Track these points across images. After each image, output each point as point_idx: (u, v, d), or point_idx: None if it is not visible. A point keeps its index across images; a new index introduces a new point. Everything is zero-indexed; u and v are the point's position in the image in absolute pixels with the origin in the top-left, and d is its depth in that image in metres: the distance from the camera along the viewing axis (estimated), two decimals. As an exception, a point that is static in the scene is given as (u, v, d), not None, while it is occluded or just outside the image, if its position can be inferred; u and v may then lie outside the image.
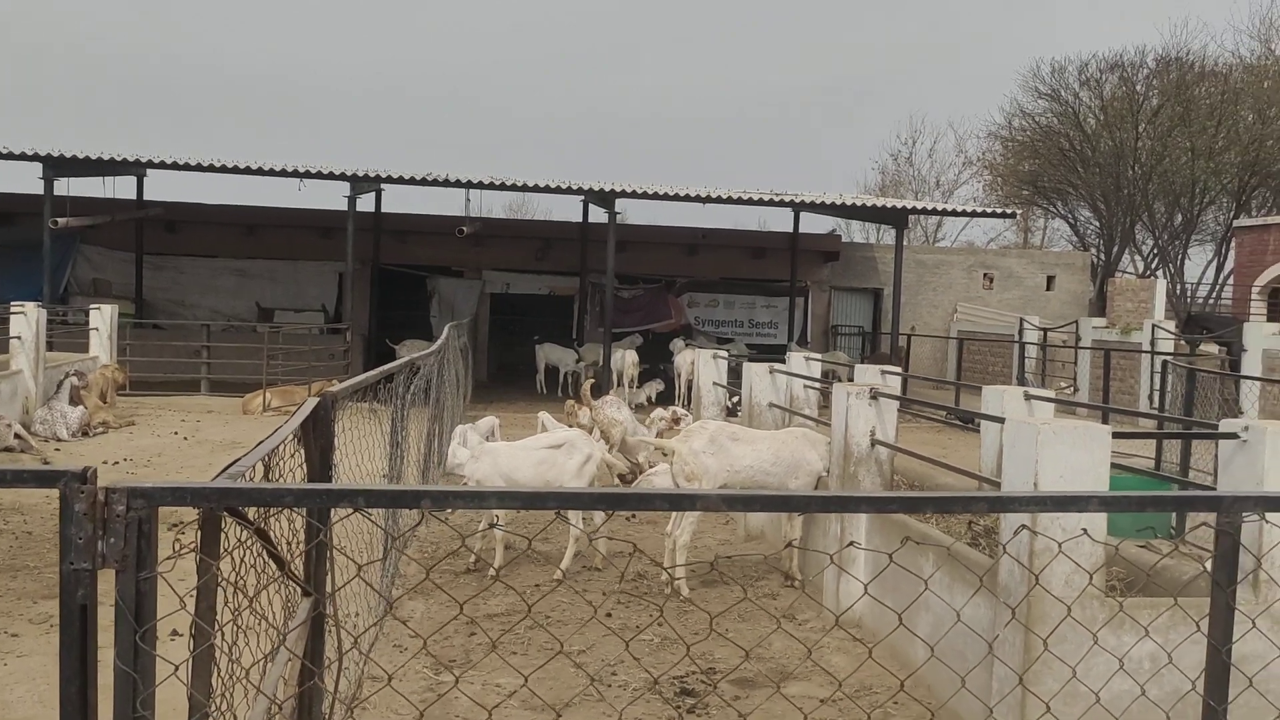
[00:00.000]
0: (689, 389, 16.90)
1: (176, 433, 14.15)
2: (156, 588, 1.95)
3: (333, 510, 3.57)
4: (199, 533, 2.14)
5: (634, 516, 9.63)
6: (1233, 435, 4.61)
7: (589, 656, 5.86)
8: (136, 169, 21.00)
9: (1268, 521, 3.93)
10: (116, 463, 11.58)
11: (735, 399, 11.52)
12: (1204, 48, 33.84)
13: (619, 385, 19.98)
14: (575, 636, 6.14)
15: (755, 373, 10.12)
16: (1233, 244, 29.57)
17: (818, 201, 21.69)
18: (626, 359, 20.20)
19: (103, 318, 17.32)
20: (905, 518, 6.25)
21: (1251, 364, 17.31)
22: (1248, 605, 4.24)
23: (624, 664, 5.74)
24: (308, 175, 19.17)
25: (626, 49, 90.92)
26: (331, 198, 23.78)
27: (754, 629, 6.48)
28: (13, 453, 11.93)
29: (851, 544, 6.15)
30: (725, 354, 12.19)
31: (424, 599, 6.92)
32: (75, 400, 13.93)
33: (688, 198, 20.47)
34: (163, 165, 19.44)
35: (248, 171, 19.33)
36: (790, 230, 25.72)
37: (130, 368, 17.53)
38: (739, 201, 21.23)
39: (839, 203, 22.02)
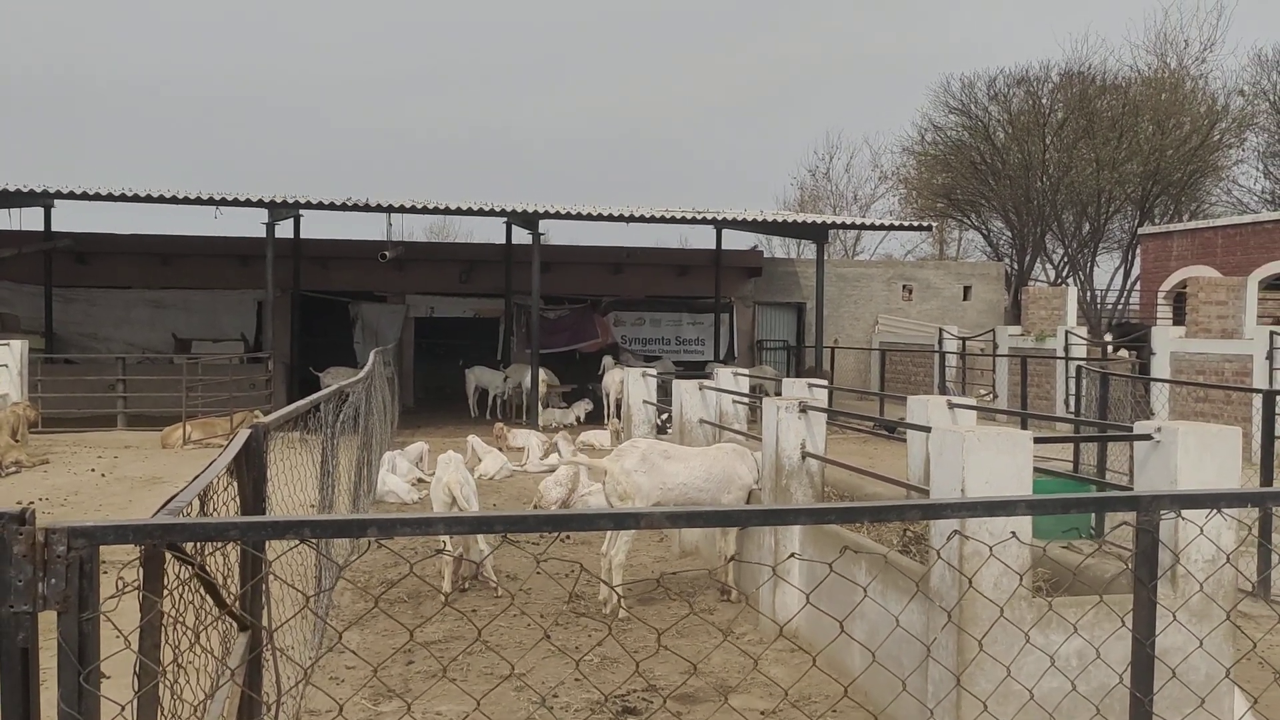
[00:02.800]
0: (618, 407, 16.95)
1: (93, 470, 13.76)
2: (99, 629, 1.93)
3: (269, 542, 3.53)
4: (141, 570, 2.12)
5: (569, 537, 9.62)
6: (1147, 437, 4.79)
7: (530, 679, 5.85)
8: (44, 199, 20.45)
9: (1184, 519, 4.09)
10: (32, 503, 11.22)
11: (665, 416, 11.59)
12: (1104, 62, 35.01)
13: (543, 407, 20.01)
14: (515, 659, 6.12)
15: (685, 390, 10.20)
16: (1138, 251, 30.60)
17: (739, 218, 21.96)
18: (542, 375, 20.36)
19: (11, 353, 16.81)
20: (838, 528, 6.36)
21: (1160, 367, 17.93)
22: (1167, 600, 4.41)
23: (565, 685, 5.74)
24: (224, 203, 18.84)
25: (545, 69, 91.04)
26: (249, 225, 23.51)
27: (693, 644, 6.52)
28: (-80, 496, 11.51)
29: (792, 555, 6.22)
30: (654, 372, 12.26)
31: (359, 629, 6.84)
32: (-15, 440, 13.49)
33: (611, 217, 20.58)
34: (71, 195, 18.93)
35: (161, 200, 18.93)
36: (713, 247, 26.00)
37: (42, 404, 17.02)
38: (662, 220, 21.40)
39: (760, 219, 22.32)
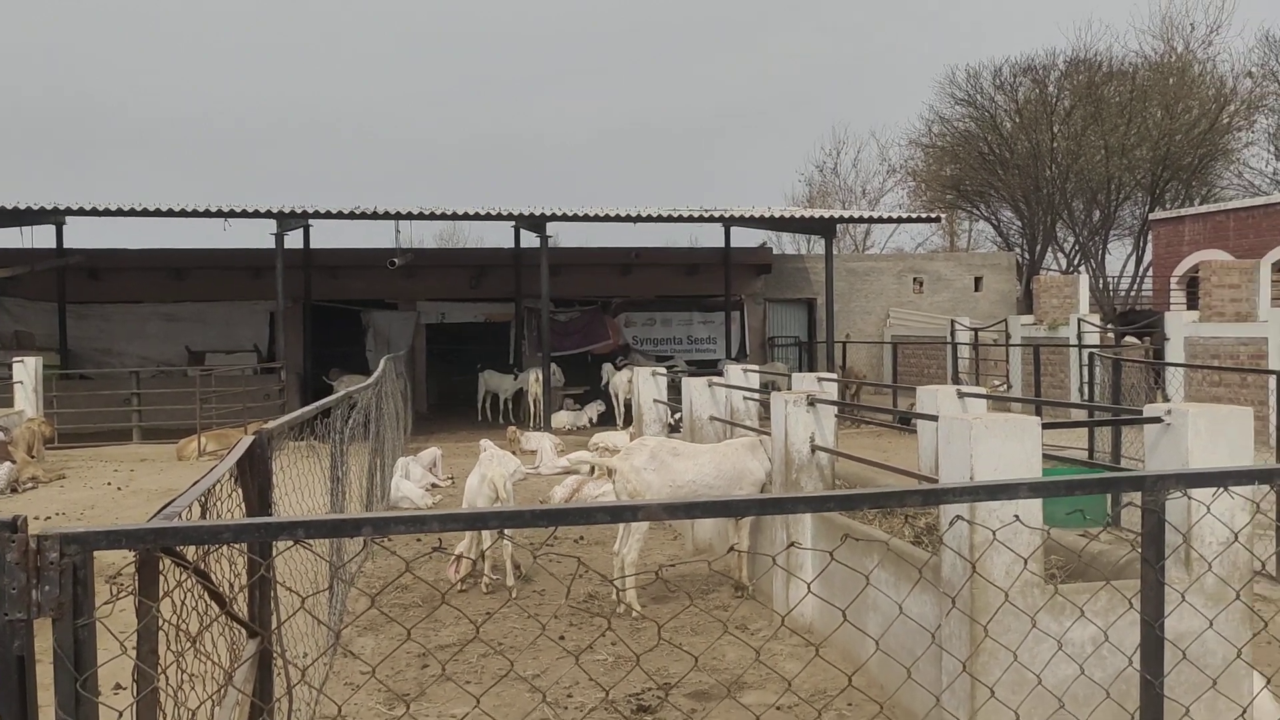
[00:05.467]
0: (628, 408, 16.95)
1: (109, 483, 13.82)
2: (95, 635, 1.92)
3: (274, 546, 3.53)
4: (136, 576, 2.12)
5: (582, 537, 9.61)
6: (1156, 419, 4.75)
7: (544, 680, 5.84)
8: (55, 217, 20.55)
9: (1191, 498, 4.05)
10: (49, 517, 11.29)
11: (677, 415, 11.58)
12: (1109, 48, 34.85)
13: (557, 407, 20.05)
14: (529, 660, 6.11)
15: (694, 387, 10.19)
16: (1150, 237, 30.41)
17: (747, 216, 21.90)
18: (530, 378, 20.51)
19: (26, 370, 16.89)
20: (849, 520, 6.33)
21: (1174, 352, 17.81)
22: (1180, 583, 4.37)
23: (579, 685, 5.72)
24: (233, 215, 18.90)
25: (552, 75, 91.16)
26: (259, 236, 23.58)
27: (707, 641, 6.50)
28: (-62, 514, 11.56)
29: (793, 544, 6.20)
30: (664, 371, 12.25)
31: (374, 634, 6.84)
32: (1, 456, 13.56)
33: (619, 218, 20.55)
34: (82, 212, 19.00)
35: (170, 214, 18.99)
36: (722, 245, 25.94)
37: (58, 420, 17.12)
38: (670, 219, 21.36)
39: (768, 215, 22.26)
